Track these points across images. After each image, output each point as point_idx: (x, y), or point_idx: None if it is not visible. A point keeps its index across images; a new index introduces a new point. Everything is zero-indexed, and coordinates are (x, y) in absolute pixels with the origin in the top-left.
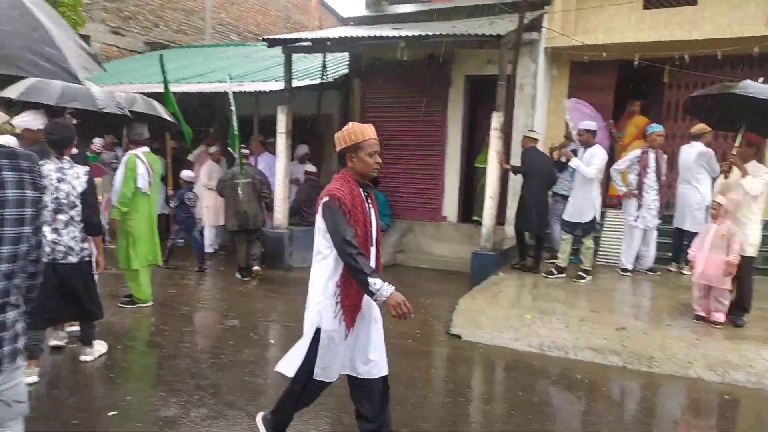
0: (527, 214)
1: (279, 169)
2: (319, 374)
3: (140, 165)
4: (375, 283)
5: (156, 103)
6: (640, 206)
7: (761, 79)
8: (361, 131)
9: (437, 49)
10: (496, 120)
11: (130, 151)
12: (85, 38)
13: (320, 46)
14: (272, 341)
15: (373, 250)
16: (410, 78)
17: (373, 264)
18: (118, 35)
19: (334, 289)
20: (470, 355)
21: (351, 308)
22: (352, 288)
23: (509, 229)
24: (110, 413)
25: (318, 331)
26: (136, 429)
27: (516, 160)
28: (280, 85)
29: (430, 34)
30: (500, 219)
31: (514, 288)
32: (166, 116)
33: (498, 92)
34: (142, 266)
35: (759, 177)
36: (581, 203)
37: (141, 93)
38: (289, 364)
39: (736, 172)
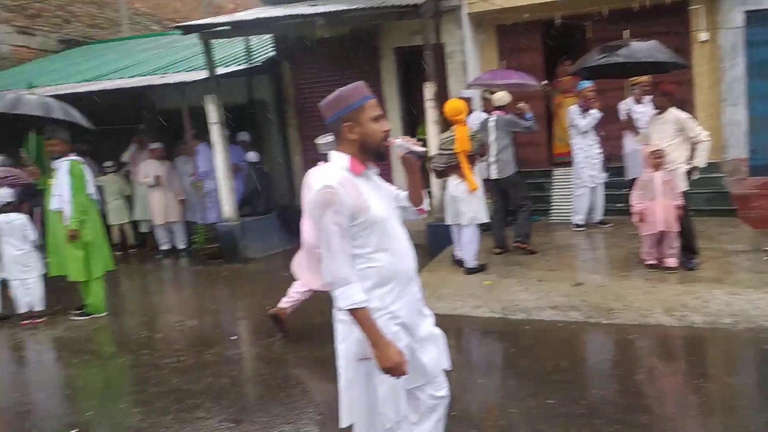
0: None
1: (218, 160)
2: None
3: (86, 171)
4: None
5: (72, 109)
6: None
7: (627, 32)
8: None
9: (359, 23)
10: (429, 90)
11: (68, 158)
12: None
13: (238, 29)
14: (235, 337)
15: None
16: (338, 55)
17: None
18: (28, 35)
19: None
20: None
21: None
22: None
23: None
24: (73, 431)
25: None
26: None
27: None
28: (205, 74)
29: (346, 8)
30: None
31: None
32: (84, 123)
33: (426, 62)
34: (100, 275)
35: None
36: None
37: (56, 95)
38: None
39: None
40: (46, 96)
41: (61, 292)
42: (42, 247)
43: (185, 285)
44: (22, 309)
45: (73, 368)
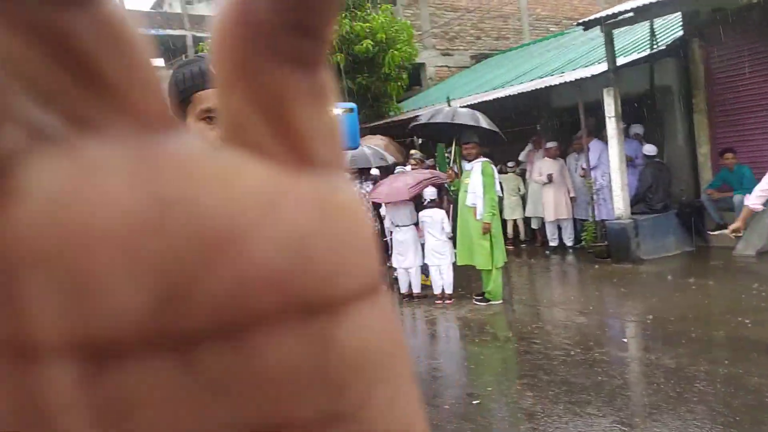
0: None
1: (613, 155)
2: None
3: (495, 171)
4: None
5: (479, 115)
6: None
7: None
8: None
9: None
10: None
11: (481, 160)
12: (420, 65)
13: (644, 14)
14: (625, 340)
15: None
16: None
17: None
18: (448, 56)
19: None
20: None
21: None
22: None
23: None
24: (474, 401)
25: None
26: (500, 417)
27: None
28: (603, 67)
29: None
30: None
31: None
32: (487, 126)
33: None
34: (500, 265)
35: None
36: None
37: (466, 105)
38: None
39: None
40: (460, 107)
41: (465, 278)
42: (453, 239)
43: (571, 282)
44: (436, 290)
45: (474, 346)
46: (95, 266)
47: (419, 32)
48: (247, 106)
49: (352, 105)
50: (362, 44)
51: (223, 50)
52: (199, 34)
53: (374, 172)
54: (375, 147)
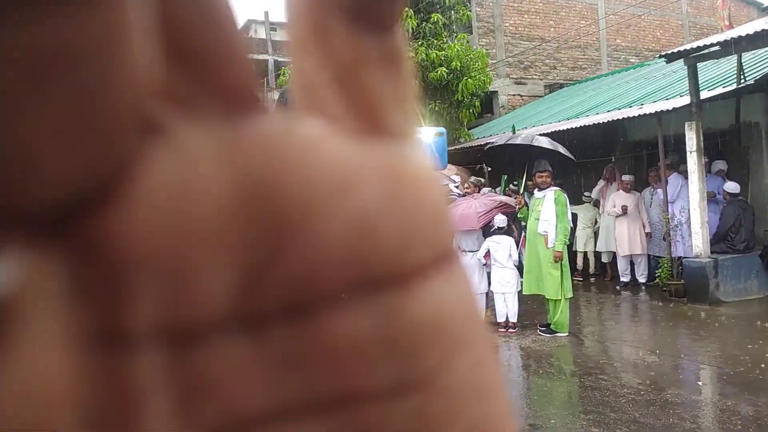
0: None
1: (693, 191)
2: None
3: (567, 200)
4: None
5: (557, 143)
6: None
7: None
8: None
9: None
10: None
11: (553, 188)
12: (493, 93)
13: (731, 48)
14: (700, 383)
15: None
16: None
17: None
18: (521, 85)
19: None
20: None
21: None
22: None
23: None
24: None
25: None
26: None
27: None
28: (685, 101)
29: None
30: None
31: None
32: (564, 153)
33: None
34: (569, 296)
35: None
36: None
37: (541, 133)
38: None
39: None
40: (538, 135)
41: (530, 308)
42: (520, 267)
43: (643, 319)
44: (500, 319)
45: (537, 376)
46: (190, 256)
47: (494, 61)
48: (320, 69)
49: (442, 129)
50: (437, 71)
51: (297, 11)
52: (281, 59)
53: (454, 189)
54: (441, 171)
